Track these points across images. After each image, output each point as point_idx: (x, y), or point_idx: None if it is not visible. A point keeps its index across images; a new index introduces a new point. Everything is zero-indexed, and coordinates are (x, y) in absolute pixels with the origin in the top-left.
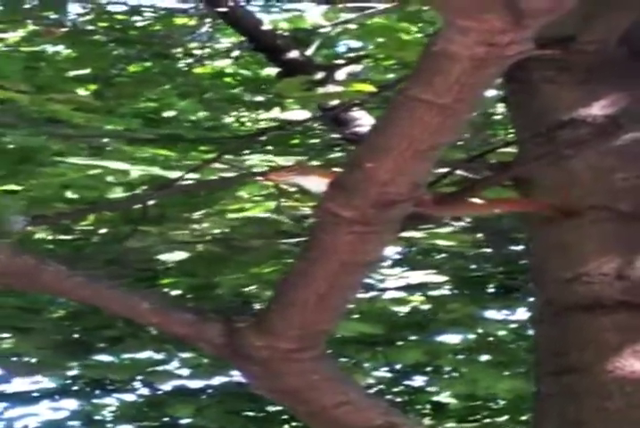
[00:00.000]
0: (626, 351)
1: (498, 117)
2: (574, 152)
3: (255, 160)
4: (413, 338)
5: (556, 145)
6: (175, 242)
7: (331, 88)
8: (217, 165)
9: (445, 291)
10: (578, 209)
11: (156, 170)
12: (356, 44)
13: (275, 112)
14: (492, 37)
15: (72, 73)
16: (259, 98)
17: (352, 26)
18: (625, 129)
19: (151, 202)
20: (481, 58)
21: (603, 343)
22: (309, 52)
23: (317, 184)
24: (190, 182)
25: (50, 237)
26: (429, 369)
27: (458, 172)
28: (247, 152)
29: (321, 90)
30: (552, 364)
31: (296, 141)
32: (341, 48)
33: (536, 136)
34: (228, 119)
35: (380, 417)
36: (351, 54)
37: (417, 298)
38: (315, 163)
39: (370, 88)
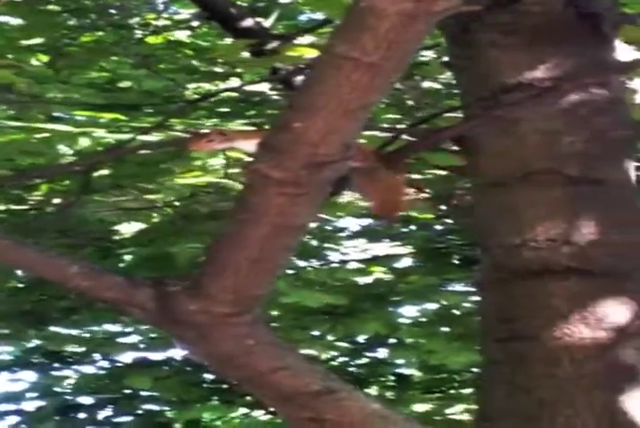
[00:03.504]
0: (574, 318)
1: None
2: (520, 115)
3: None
4: (373, 310)
5: (501, 109)
6: (129, 210)
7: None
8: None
9: (408, 262)
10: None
11: (103, 134)
12: (318, 15)
13: (234, 83)
14: None
15: (24, 42)
16: (217, 69)
17: None
18: (571, 92)
19: (100, 171)
20: (409, 14)
21: (552, 310)
22: (269, 22)
23: (250, 146)
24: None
25: (2, 207)
26: (392, 341)
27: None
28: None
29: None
30: (499, 330)
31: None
32: (303, 19)
33: (480, 100)
34: (188, 91)
35: (318, 382)
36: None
37: (379, 269)
38: None
39: (316, 53)
